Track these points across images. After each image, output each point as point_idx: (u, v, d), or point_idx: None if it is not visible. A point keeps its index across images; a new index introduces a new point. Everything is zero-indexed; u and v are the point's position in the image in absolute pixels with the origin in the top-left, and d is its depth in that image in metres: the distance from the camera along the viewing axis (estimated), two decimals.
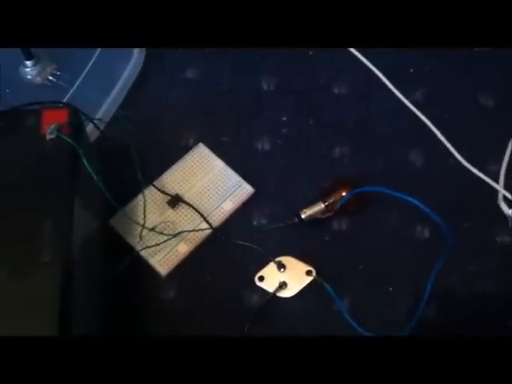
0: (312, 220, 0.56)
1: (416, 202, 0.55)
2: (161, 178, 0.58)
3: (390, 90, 0.63)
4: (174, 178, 0.58)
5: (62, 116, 0.47)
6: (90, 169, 0.46)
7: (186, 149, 0.60)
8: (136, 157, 0.55)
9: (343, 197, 0.56)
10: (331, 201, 0.56)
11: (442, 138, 0.61)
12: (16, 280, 0.43)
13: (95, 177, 0.46)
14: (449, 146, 0.60)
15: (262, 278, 0.54)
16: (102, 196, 0.49)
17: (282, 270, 0.54)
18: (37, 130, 0.46)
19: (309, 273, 0.54)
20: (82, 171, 0.47)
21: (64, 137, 0.45)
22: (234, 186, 0.58)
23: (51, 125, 0.46)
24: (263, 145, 0.61)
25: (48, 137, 0.45)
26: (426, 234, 0.56)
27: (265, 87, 0.64)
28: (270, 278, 0.54)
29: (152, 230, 0.54)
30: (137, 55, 0.63)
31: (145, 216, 0.54)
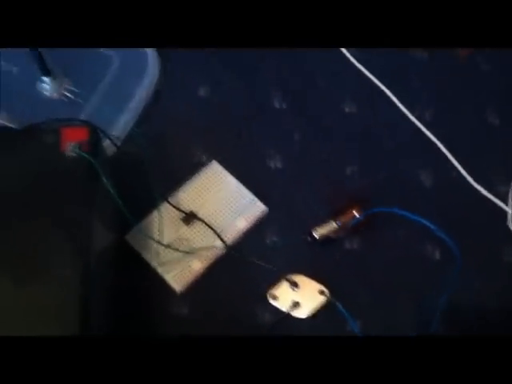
0: (324, 239, 0.57)
1: (425, 222, 0.56)
2: (175, 194, 0.59)
3: (399, 109, 0.64)
4: (188, 194, 0.59)
5: (82, 134, 0.47)
6: (108, 186, 0.46)
7: (200, 165, 0.61)
8: (151, 173, 0.55)
9: (355, 217, 0.57)
10: (343, 220, 0.57)
11: (451, 158, 0.62)
12: (34, 290, 0.43)
13: (113, 193, 0.47)
14: (457, 165, 0.61)
15: (274, 297, 0.55)
16: (119, 211, 0.50)
17: (295, 288, 0.55)
18: (57, 147, 0.47)
19: (321, 292, 0.54)
20: (100, 187, 0.47)
21: (85, 154, 0.46)
22: (247, 204, 0.59)
23: (72, 143, 0.46)
24: (276, 163, 0.62)
25: (68, 154, 0.46)
26: (435, 252, 0.57)
27: (277, 106, 0.65)
28: (282, 297, 0.54)
29: (167, 246, 0.54)
30: (151, 72, 0.63)
31: (160, 232, 0.55)
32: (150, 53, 0.64)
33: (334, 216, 0.57)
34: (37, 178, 0.46)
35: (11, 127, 0.54)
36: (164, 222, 0.56)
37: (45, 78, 0.60)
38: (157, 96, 0.64)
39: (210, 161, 0.61)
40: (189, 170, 0.60)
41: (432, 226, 0.56)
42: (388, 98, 0.65)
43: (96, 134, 0.49)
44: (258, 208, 0.59)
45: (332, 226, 0.57)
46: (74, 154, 0.46)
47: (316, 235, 0.57)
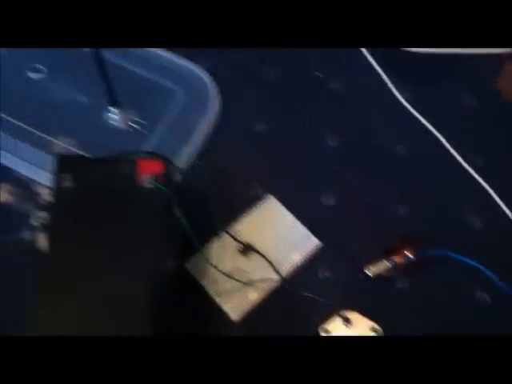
0: (376, 277, 0.58)
1: (476, 264, 0.58)
2: (233, 225, 0.61)
3: (449, 152, 0.66)
4: (246, 226, 0.61)
5: (157, 166, 0.50)
6: (181, 216, 0.49)
7: (256, 199, 0.63)
8: (211, 204, 0.58)
9: (407, 257, 0.58)
10: (396, 260, 0.58)
11: (500, 202, 0.63)
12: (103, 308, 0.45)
13: (185, 223, 0.49)
14: (505, 209, 0.63)
15: (327, 331, 0.56)
16: (184, 240, 0.52)
17: (348, 324, 0.56)
18: (133, 178, 0.49)
19: (374, 329, 0.56)
20: (171, 217, 0.50)
21: (160, 186, 0.48)
22: (301, 238, 0.61)
23: (148, 175, 0.49)
24: (329, 200, 0.64)
25: (145, 185, 0.49)
26: (486, 294, 0.58)
27: (330, 143, 0.67)
28: (335, 332, 0.56)
29: (228, 276, 0.56)
30: (212, 107, 0.66)
31: (219, 262, 0.57)
32: (212, 88, 0.67)
33: (386, 255, 0.59)
34: (114, 205, 0.49)
35: (88, 156, 0.56)
36: (222, 252, 0.59)
37: (113, 109, 0.63)
38: (216, 130, 0.67)
39: (267, 195, 0.63)
40: (246, 202, 0.63)
41: (483, 268, 0.57)
42: (438, 140, 0.67)
43: (169, 167, 0.51)
44: (312, 243, 0.61)
45: (385, 264, 0.58)
46: (150, 186, 0.49)
47: (369, 273, 0.58)
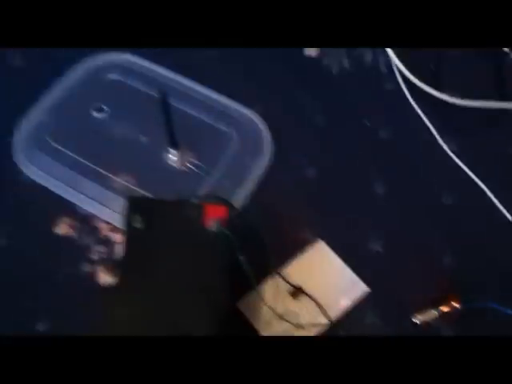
0: (423, 325, 0.60)
1: None
2: (284, 268, 0.63)
3: (494, 204, 0.68)
4: (296, 269, 0.63)
5: (222, 211, 0.52)
6: (242, 259, 0.51)
7: (307, 242, 0.65)
8: (262, 245, 0.60)
9: (454, 307, 0.60)
10: (442, 309, 0.60)
11: None
12: None
13: (246, 265, 0.51)
14: None
15: None
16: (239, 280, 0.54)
17: None
18: (200, 222, 0.51)
19: None
20: (232, 259, 0.52)
21: (225, 231, 0.51)
22: (350, 284, 0.63)
23: (215, 219, 0.51)
24: (377, 246, 0.66)
25: (211, 229, 0.51)
26: None
27: (378, 191, 0.69)
28: None
29: (280, 317, 0.58)
30: (266, 151, 0.68)
31: (270, 302, 0.58)
32: (265, 132, 0.70)
33: (433, 303, 0.61)
34: (179, 246, 0.51)
35: (157, 199, 0.58)
36: (273, 293, 0.60)
37: (172, 150, 0.66)
38: (268, 173, 0.69)
39: (317, 239, 0.65)
40: (297, 245, 0.65)
41: None
42: (483, 191, 0.69)
43: (232, 211, 0.53)
44: (360, 288, 0.62)
45: (431, 313, 0.60)
46: (214, 230, 0.51)
47: (416, 321, 0.60)
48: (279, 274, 0.61)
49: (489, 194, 0.69)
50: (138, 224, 0.52)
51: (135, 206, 0.52)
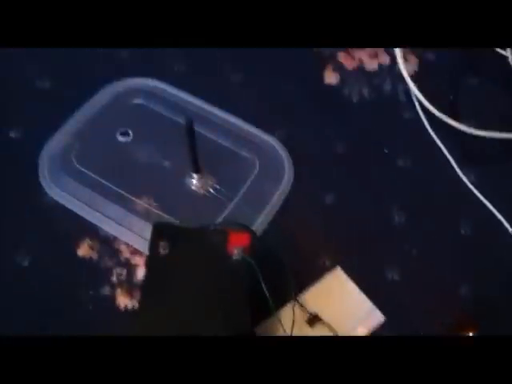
0: None
1: None
2: (302, 294, 0.63)
3: None
4: (313, 296, 0.64)
5: (245, 239, 0.53)
6: (263, 286, 0.52)
7: (324, 269, 0.66)
8: (281, 272, 0.60)
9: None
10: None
11: None
12: None
13: (266, 293, 0.52)
14: None
15: None
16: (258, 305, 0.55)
17: None
18: (223, 249, 0.52)
19: None
20: (253, 285, 0.53)
21: (248, 258, 0.52)
22: (366, 312, 0.63)
23: (238, 247, 0.52)
24: (393, 275, 0.66)
25: (234, 257, 0.52)
26: None
27: (396, 219, 0.70)
28: None
29: None
30: (286, 178, 0.69)
31: (287, 328, 0.59)
32: (286, 158, 0.71)
33: (449, 332, 0.61)
34: (203, 272, 0.52)
35: (181, 225, 0.59)
36: (290, 320, 0.61)
37: (194, 175, 0.67)
38: (288, 199, 0.70)
39: (334, 266, 0.66)
40: (314, 272, 0.65)
41: None
42: (501, 222, 0.69)
43: (254, 239, 0.54)
44: (376, 317, 0.63)
45: None
46: (238, 257, 0.52)
47: None
48: (297, 300, 0.62)
49: (506, 224, 0.69)
50: (162, 250, 0.52)
51: (160, 231, 0.53)
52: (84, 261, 0.64)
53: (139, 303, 0.52)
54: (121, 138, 0.71)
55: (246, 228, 0.55)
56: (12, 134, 0.72)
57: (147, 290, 0.52)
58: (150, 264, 0.53)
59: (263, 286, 0.52)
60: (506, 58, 0.78)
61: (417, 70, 0.80)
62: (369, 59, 0.81)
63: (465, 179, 0.72)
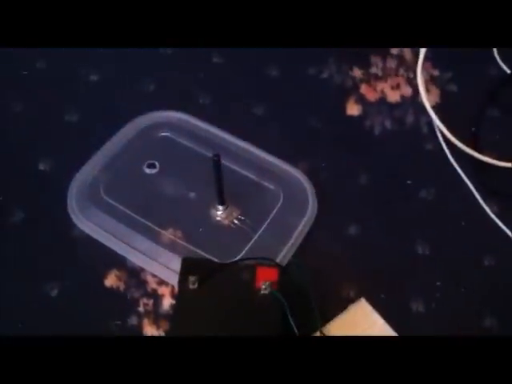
0: None
1: None
2: (326, 326, 0.64)
3: None
4: (338, 328, 0.64)
5: (273, 274, 0.54)
6: (292, 323, 0.52)
7: (349, 301, 0.66)
8: (306, 304, 0.61)
9: None
10: None
11: None
12: None
13: (295, 329, 0.52)
14: None
15: None
16: None
17: None
18: (251, 284, 0.53)
19: None
20: (281, 320, 0.53)
21: (276, 294, 0.52)
22: None
23: (266, 282, 0.53)
24: (418, 306, 0.67)
25: (262, 292, 0.52)
26: None
27: (419, 251, 0.70)
28: None
29: None
30: (311, 210, 0.70)
31: None
32: (310, 190, 0.71)
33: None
34: (231, 307, 0.53)
35: (211, 259, 0.60)
36: None
37: (219, 207, 0.68)
38: (313, 231, 0.70)
39: (359, 297, 0.66)
40: (339, 304, 0.66)
41: None
42: None
43: (282, 273, 0.55)
44: None
45: None
46: (266, 292, 0.53)
47: None
48: (322, 332, 0.62)
49: None
50: (191, 284, 0.53)
51: (189, 266, 0.54)
52: (111, 291, 0.65)
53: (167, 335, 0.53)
54: (147, 171, 0.72)
55: (273, 263, 0.55)
56: (41, 167, 0.73)
57: (175, 323, 0.53)
58: (179, 298, 0.54)
59: (290, 319, 0.53)
60: None
61: (438, 101, 0.81)
62: (391, 91, 0.82)
63: (488, 210, 0.72)
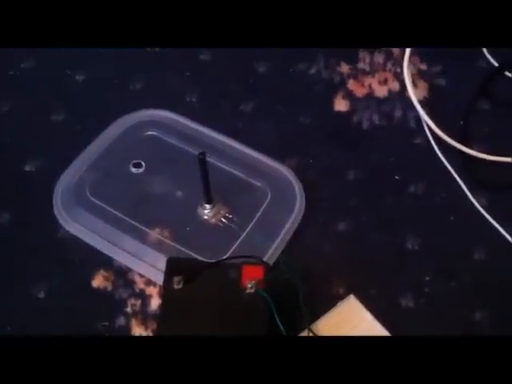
0: None
1: None
2: (315, 323, 0.63)
3: None
4: (327, 324, 0.64)
5: (259, 272, 0.54)
6: (278, 321, 0.52)
7: (338, 297, 0.66)
8: (294, 300, 0.61)
9: None
10: None
11: None
12: None
13: (282, 328, 0.52)
14: None
15: None
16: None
17: None
18: (238, 283, 0.53)
19: None
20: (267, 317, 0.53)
21: (262, 292, 0.52)
22: None
23: (252, 280, 0.53)
24: (407, 302, 0.66)
25: (248, 291, 0.52)
26: None
27: (409, 246, 0.70)
28: None
29: None
30: (299, 207, 0.70)
31: None
32: (298, 187, 0.71)
33: None
34: (216, 306, 0.52)
35: (196, 259, 0.60)
36: None
37: (207, 205, 0.68)
38: (301, 227, 0.70)
39: (348, 294, 0.66)
40: (327, 301, 0.65)
41: None
42: None
43: (268, 271, 0.55)
44: None
45: None
46: (252, 291, 0.52)
47: None
48: (310, 329, 0.62)
49: None
50: (176, 284, 0.53)
51: (174, 266, 0.54)
52: (99, 292, 0.65)
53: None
54: (134, 170, 0.71)
55: (259, 261, 0.55)
56: (27, 168, 0.73)
57: (162, 324, 0.53)
58: (164, 298, 0.53)
59: (277, 318, 0.52)
60: None
61: (426, 95, 0.80)
62: (378, 86, 0.82)
63: (476, 204, 0.72)
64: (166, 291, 0.54)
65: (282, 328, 0.53)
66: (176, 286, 0.53)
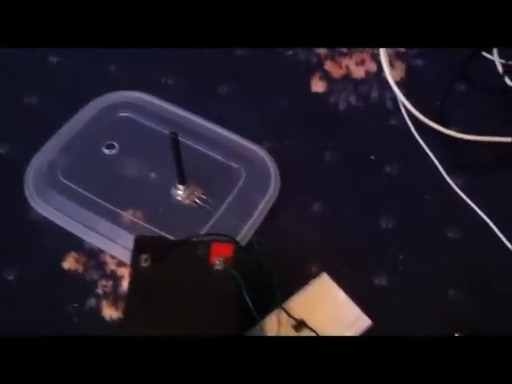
0: None
1: None
2: (288, 301, 0.63)
3: (503, 243, 0.68)
4: (300, 303, 0.63)
5: (228, 250, 0.53)
6: (246, 296, 0.51)
7: (310, 277, 0.65)
8: (267, 280, 0.60)
9: None
10: None
11: None
12: None
13: (248, 301, 0.52)
14: None
15: None
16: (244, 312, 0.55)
17: None
18: (206, 260, 0.52)
19: None
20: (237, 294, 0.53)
21: (230, 269, 0.51)
22: (353, 318, 0.63)
23: (220, 258, 0.52)
24: (381, 280, 0.66)
25: (216, 268, 0.52)
26: None
27: (383, 225, 0.70)
28: None
29: None
30: (273, 188, 0.69)
31: (274, 335, 0.59)
32: (272, 167, 0.71)
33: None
34: (186, 284, 0.52)
35: (164, 237, 0.59)
36: (278, 327, 0.61)
37: (180, 186, 0.67)
38: (275, 207, 0.70)
39: (321, 273, 0.66)
40: (301, 279, 0.65)
41: None
42: (489, 227, 0.69)
43: (238, 249, 0.54)
44: (363, 323, 0.63)
45: None
46: (220, 268, 0.52)
47: None
48: (283, 307, 0.62)
49: (494, 228, 0.69)
50: (143, 262, 0.52)
51: (141, 245, 0.53)
52: (69, 274, 0.64)
53: (123, 316, 0.52)
54: (106, 152, 0.71)
55: (228, 238, 0.54)
56: None
57: (130, 303, 0.52)
58: (132, 277, 0.53)
59: (245, 294, 0.52)
60: (492, 62, 0.78)
61: (403, 76, 0.80)
62: (356, 67, 0.81)
63: (453, 184, 0.72)
64: (133, 269, 0.53)
65: (250, 305, 0.52)
66: (144, 264, 0.53)
